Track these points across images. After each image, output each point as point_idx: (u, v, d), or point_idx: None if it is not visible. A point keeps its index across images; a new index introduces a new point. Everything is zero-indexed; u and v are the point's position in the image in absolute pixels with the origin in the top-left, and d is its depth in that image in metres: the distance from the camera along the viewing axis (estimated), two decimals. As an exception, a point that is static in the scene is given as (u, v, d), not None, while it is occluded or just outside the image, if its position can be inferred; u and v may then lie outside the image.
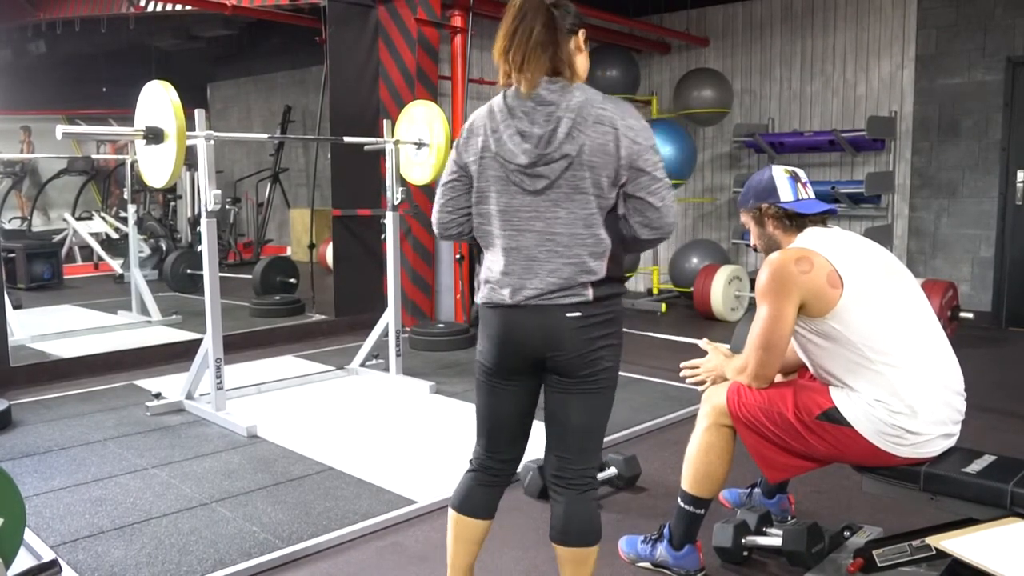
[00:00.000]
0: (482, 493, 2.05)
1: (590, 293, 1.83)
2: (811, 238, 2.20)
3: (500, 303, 1.88)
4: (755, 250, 2.37)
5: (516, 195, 1.85)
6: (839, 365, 2.12)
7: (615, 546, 2.60)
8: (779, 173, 2.30)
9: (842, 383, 2.12)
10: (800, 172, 2.34)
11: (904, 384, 2.04)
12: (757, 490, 2.80)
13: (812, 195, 2.31)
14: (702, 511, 2.36)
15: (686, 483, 2.36)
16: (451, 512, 2.06)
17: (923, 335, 2.12)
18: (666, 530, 2.44)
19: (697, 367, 2.44)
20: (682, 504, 2.37)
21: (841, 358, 2.10)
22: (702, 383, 2.43)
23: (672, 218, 1.84)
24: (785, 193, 2.26)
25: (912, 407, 2.03)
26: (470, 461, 2.08)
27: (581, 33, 1.91)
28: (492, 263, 1.90)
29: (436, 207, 2.01)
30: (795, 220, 2.25)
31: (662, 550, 2.43)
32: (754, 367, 2.20)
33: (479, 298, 1.95)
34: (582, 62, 1.92)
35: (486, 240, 1.92)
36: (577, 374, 1.87)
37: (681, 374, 2.51)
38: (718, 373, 2.38)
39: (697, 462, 2.33)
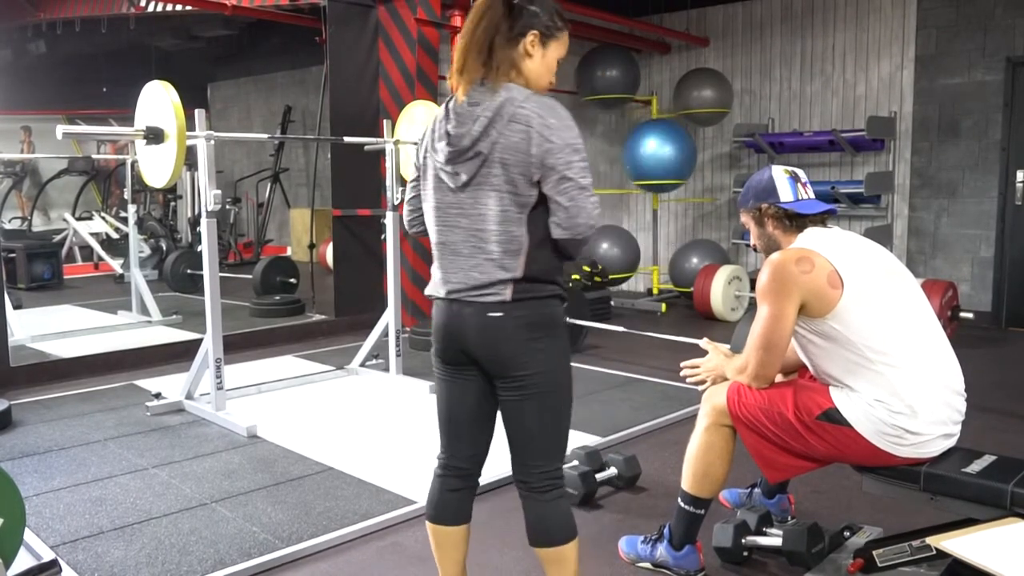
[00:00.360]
0: (453, 499, 2.05)
1: (508, 293, 1.83)
2: (811, 238, 2.20)
3: (436, 295, 1.96)
4: (755, 250, 2.37)
5: (446, 192, 1.89)
6: (839, 365, 2.12)
7: (615, 546, 2.61)
8: (779, 173, 2.30)
9: (842, 383, 2.12)
10: (800, 172, 2.34)
11: (904, 384, 2.04)
12: (757, 490, 2.80)
13: (812, 195, 2.31)
14: (702, 511, 2.36)
15: (686, 483, 2.36)
16: (428, 524, 2.07)
17: (923, 335, 2.12)
18: (666, 530, 2.44)
19: (697, 367, 2.44)
20: (682, 504, 2.37)
21: (841, 358, 2.11)
22: (702, 383, 2.43)
23: (585, 220, 1.80)
24: (785, 193, 2.27)
25: (912, 407, 2.03)
26: (437, 459, 2.09)
27: (530, 35, 1.84)
28: (433, 257, 1.98)
29: (404, 205, 2.10)
30: (795, 220, 2.25)
31: (662, 550, 2.43)
32: (754, 367, 2.20)
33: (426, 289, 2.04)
34: (532, 65, 1.87)
35: (428, 235, 2.00)
36: (507, 375, 1.87)
37: (681, 374, 2.51)
38: (718, 373, 2.38)
39: (697, 462, 2.33)
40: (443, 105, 1.94)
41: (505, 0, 1.83)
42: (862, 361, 2.07)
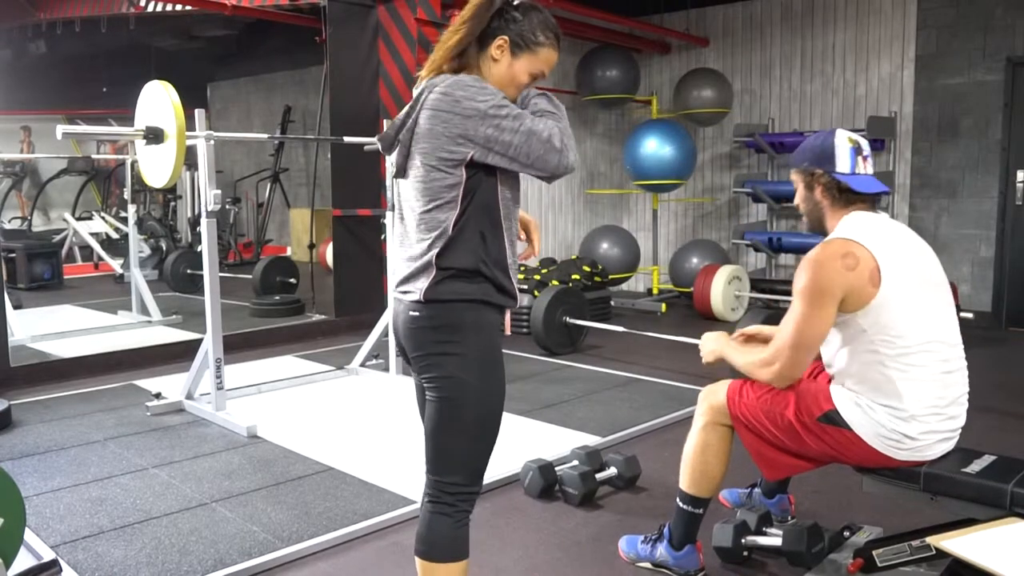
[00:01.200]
0: (442, 525, 1.81)
1: (423, 291, 1.72)
2: (859, 226, 2.09)
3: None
4: (796, 208, 2.27)
5: (400, 183, 1.84)
6: (853, 360, 2.08)
7: (615, 546, 2.61)
8: (842, 140, 2.16)
9: (847, 379, 2.10)
10: (864, 144, 2.18)
11: (912, 391, 2.02)
12: (757, 490, 2.80)
13: (871, 171, 2.18)
14: (701, 511, 2.36)
15: (684, 483, 2.36)
16: (419, 561, 1.83)
17: (942, 347, 2.07)
18: (666, 530, 2.44)
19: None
20: (681, 504, 2.37)
21: (857, 353, 2.07)
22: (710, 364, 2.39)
23: (541, 147, 1.68)
24: (843, 163, 2.14)
25: (915, 415, 2.02)
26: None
27: (499, 39, 1.77)
28: None
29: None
30: (846, 195, 2.14)
31: (662, 550, 2.43)
32: (783, 366, 2.10)
33: None
34: (495, 70, 1.79)
35: None
36: (420, 375, 1.80)
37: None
38: (718, 355, 2.34)
39: (694, 462, 2.33)
40: None
41: (494, 3, 1.77)
42: (877, 360, 2.03)
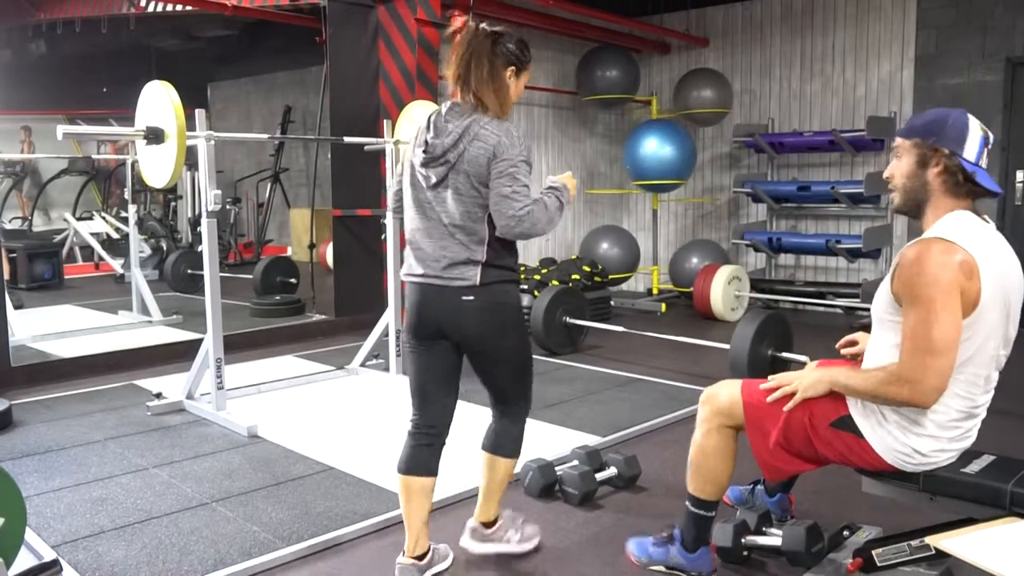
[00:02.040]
0: (424, 453, 2.37)
1: (476, 278, 2.24)
2: (969, 233, 1.92)
3: (411, 276, 2.34)
4: (885, 181, 2.09)
5: (421, 189, 2.32)
6: None
7: (616, 546, 2.61)
8: (975, 124, 1.98)
9: None
10: (991, 136, 2.01)
11: (939, 416, 1.98)
12: (760, 487, 2.79)
13: (986, 166, 2.00)
14: (711, 513, 2.34)
15: (691, 486, 2.33)
16: (400, 477, 2.39)
17: (989, 376, 2.02)
18: (676, 532, 2.41)
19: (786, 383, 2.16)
20: (690, 507, 2.34)
21: None
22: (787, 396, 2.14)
23: (508, 215, 2.18)
24: (971, 150, 1.96)
25: (931, 434, 1.99)
26: (409, 422, 2.42)
27: (510, 70, 2.29)
28: (406, 242, 2.38)
29: (389, 195, 2.53)
30: (966, 185, 1.96)
31: (675, 552, 2.39)
32: (927, 377, 1.86)
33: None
34: (506, 92, 2.30)
35: (405, 222, 2.41)
36: (475, 348, 2.32)
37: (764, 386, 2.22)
38: (825, 385, 2.09)
39: (700, 465, 2.30)
40: (428, 115, 2.35)
41: (490, 37, 2.26)
42: None
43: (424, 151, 2.27)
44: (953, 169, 1.96)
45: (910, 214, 2.08)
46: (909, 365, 1.88)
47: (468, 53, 2.25)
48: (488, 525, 2.56)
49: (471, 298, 2.24)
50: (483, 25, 2.29)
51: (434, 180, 2.27)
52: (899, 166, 2.05)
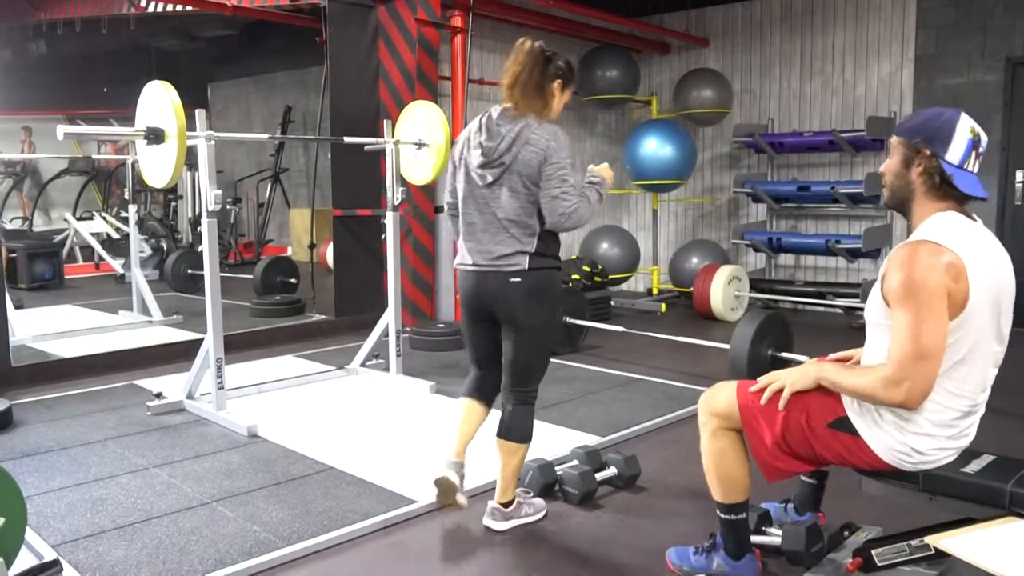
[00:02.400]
0: (484, 383, 2.86)
1: (526, 263, 2.60)
2: (955, 233, 1.93)
3: (464, 265, 2.72)
4: (880, 176, 2.12)
5: (475, 186, 2.66)
6: None
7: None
8: (964, 126, 1.97)
9: None
10: (984, 138, 2.00)
11: (935, 410, 1.98)
12: (791, 505, 2.70)
13: (977, 171, 1.99)
14: (743, 515, 2.31)
15: (715, 494, 2.30)
16: (462, 399, 2.88)
17: (985, 374, 2.02)
18: (718, 539, 2.37)
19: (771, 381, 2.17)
20: (722, 515, 2.31)
21: None
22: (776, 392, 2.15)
23: (558, 213, 2.55)
24: (956, 152, 1.95)
25: (929, 432, 1.99)
26: (471, 369, 2.91)
27: (557, 83, 2.62)
28: (460, 234, 2.74)
29: (446, 193, 2.86)
30: (944, 187, 1.96)
31: (719, 561, 2.35)
32: (914, 383, 1.87)
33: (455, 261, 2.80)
34: (553, 103, 2.65)
35: (459, 217, 2.75)
36: (510, 322, 2.67)
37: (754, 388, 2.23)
38: (811, 380, 2.10)
39: (716, 471, 2.27)
40: (478, 118, 2.68)
41: (543, 53, 2.60)
42: None
43: (481, 153, 2.60)
44: (932, 170, 1.97)
45: (897, 210, 2.09)
46: (896, 368, 1.89)
47: (523, 65, 2.57)
48: (506, 505, 2.79)
49: (519, 280, 2.60)
50: (540, 43, 2.61)
51: (490, 179, 2.60)
52: (889, 164, 2.07)
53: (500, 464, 2.78)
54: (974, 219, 2.02)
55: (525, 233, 2.59)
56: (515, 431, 2.74)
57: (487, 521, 2.80)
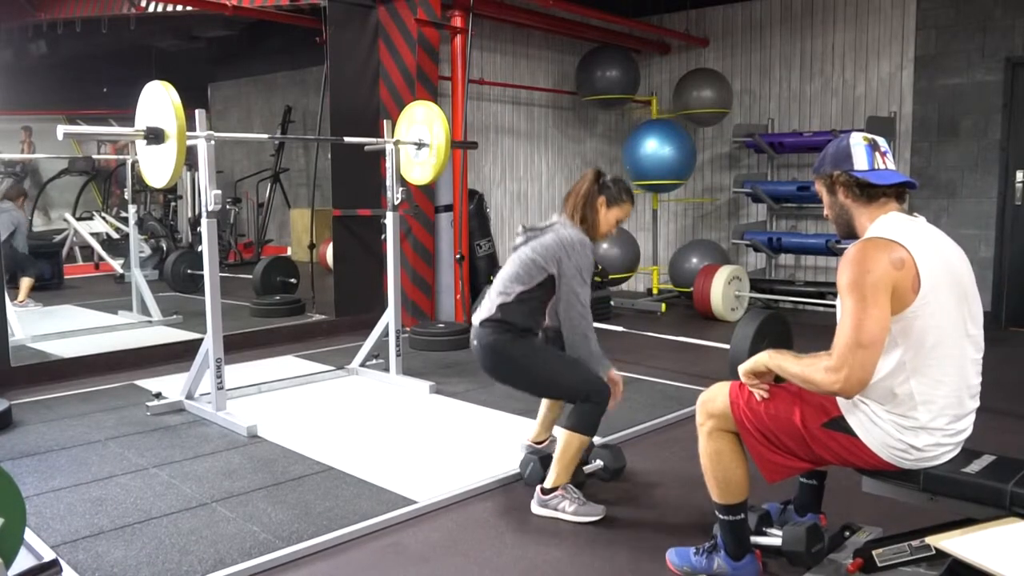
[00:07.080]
0: None
1: (498, 315, 2.96)
2: (898, 227, 2.03)
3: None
4: (826, 219, 2.25)
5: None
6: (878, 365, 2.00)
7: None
8: (856, 140, 2.14)
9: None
10: (880, 140, 2.16)
11: (927, 404, 1.99)
12: (791, 507, 2.70)
13: (891, 166, 2.13)
14: (742, 516, 2.32)
15: (714, 495, 2.31)
16: None
17: (966, 362, 2.04)
18: (719, 540, 2.38)
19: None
20: (721, 516, 2.32)
21: (882, 359, 1.99)
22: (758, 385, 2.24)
23: (567, 314, 2.91)
24: (860, 161, 2.11)
25: (925, 427, 2.00)
26: None
27: (601, 198, 3.03)
28: None
29: None
30: (867, 190, 2.10)
31: (720, 561, 2.36)
32: (851, 370, 1.92)
33: None
34: (597, 217, 3.04)
35: None
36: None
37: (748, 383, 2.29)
38: (763, 365, 2.19)
39: (714, 472, 2.28)
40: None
41: (596, 176, 3.07)
42: (899, 369, 1.99)
43: (526, 229, 3.10)
44: (849, 183, 2.12)
45: (851, 236, 2.19)
46: (837, 355, 1.96)
47: (581, 180, 3.06)
48: (546, 492, 2.88)
49: (488, 329, 3.02)
50: (598, 168, 3.11)
51: (517, 242, 3.12)
52: (825, 203, 2.23)
53: (557, 451, 2.88)
54: (916, 216, 2.13)
55: (502, 292, 2.97)
56: (570, 420, 2.86)
57: (532, 502, 2.92)
